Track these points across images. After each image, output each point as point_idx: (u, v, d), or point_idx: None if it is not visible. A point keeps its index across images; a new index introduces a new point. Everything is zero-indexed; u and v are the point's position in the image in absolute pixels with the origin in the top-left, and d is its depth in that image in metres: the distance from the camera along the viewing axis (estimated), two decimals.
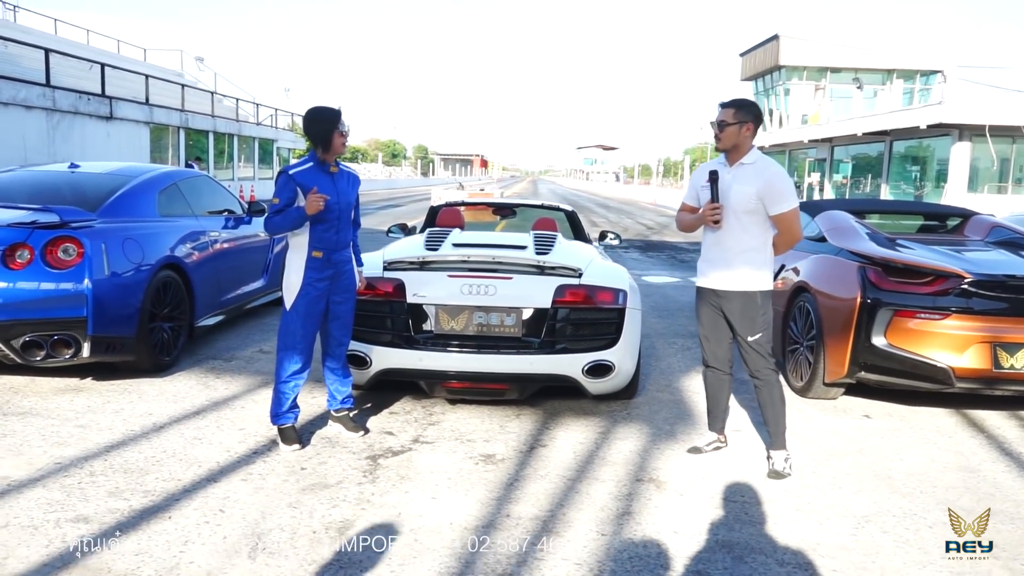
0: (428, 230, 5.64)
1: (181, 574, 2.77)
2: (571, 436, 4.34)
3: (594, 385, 4.48)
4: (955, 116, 23.59)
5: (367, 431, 4.28)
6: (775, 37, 40.29)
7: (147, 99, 22.07)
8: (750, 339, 3.82)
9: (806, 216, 6.12)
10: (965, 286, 4.53)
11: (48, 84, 17.19)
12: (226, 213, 6.75)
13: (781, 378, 4.11)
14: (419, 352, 4.37)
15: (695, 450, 4.13)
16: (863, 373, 4.76)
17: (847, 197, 30.37)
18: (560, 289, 4.41)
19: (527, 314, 4.41)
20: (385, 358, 4.41)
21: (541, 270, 4.51)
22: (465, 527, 3.22)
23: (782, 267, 5.82)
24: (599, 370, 4.40)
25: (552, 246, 4.91)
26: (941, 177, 26.36)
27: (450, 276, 4.44)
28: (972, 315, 4.52)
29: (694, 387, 5.27)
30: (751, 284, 3.79)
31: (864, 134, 28.93)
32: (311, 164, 3.99)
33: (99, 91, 19.49)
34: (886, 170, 29.54)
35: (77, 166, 6.12)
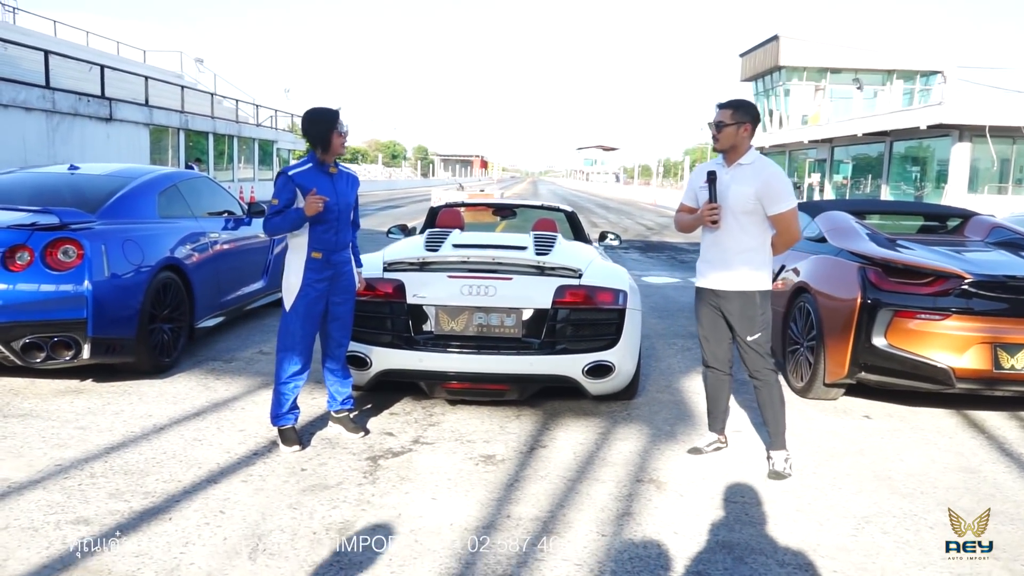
0: (428, 231, 5.64)
1: (181, 575, 2.77)
2: (571, 437, 4.34)
3: (594, 386, 4.48)
4: (955, 117, 23.60)
5: (367, 432, 4.27)
6: (775, 38, 40.30)
7: (147, 100, 22.07)
8: (749, 339, 3.83)
9: (806, 217, 6.12)
10: (965, 287, 4.53)
11: (48, 86, 17.18)
12: (226, 214, 6.75)
13: (781, 378, 4.11)
14: (419, 353, 4.37)
15: (695, 451, 4.13)
16: (863, 374, 4.76)
17: (847, 198, 30.38)
18: (560, 290, 4.41)
19: (527, 315, 4.41)
20: (385, 359, 4.41)
21: (541, 271, 4.51)
22: (465, 528, 3.21)
23: (782, 267, 5.82)
24: (599, 371, 4.40)
25: (552, 247, 4.91)
26: (941, 178, 26.37)
27: (450, 277, 4.44)
28: (972, 316, 4.52)
29: (694, 388, 5.27)
30: (750, 284, 3.79)
31: (864, 135, 28.95)
32: (310, 165, 3.99)
33: (99, 93, 19.49)
34: (886, 171, 29.55)
35: (77, 168, 6.12)
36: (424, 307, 4.43)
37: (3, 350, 4.58)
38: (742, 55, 45.75)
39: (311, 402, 4.72)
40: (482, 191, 28.32)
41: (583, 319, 4.44)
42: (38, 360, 4.65)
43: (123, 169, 6.29)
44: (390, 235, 6.61)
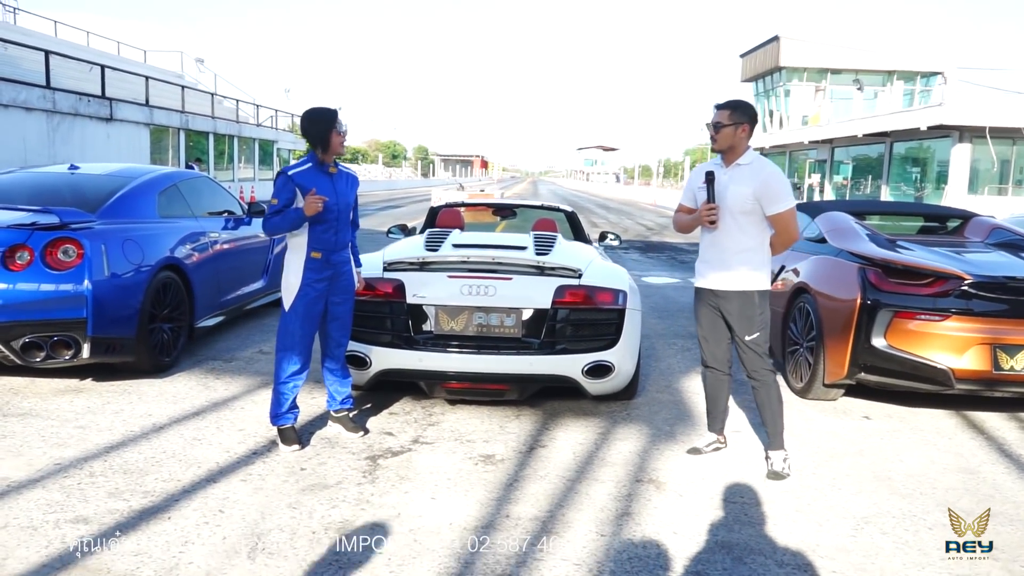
0: (428, 231, 5.65)
1: (180, 574, 2.77)
2: (571, 437, 4.34)
3: (594, 386, 4.48)
4: (955, 118, 23.61)
5: (367, 432, 4.28)
6: (775, 38, 40.30)
7: (147, 100, 22.07)
8: (747, 339, 3.83)
9: (806, 217, 6.12)
10: (965, 287, 4.53)
11: (48, 86, 17.19)
12: (226, 214, 6.76)
13: (779, 379, 4.12)
14: (419, 353, 4.37)
15: (695, 451, 4.13)
16: (863, 374, 4.76)
17: (847, 198, 30.38)
18: (560, 290, 4.41)
19: (527, 315, 4.41)
20: (385, 359, 4.41)
21: (541, 271, 4.51)
22: (464, 527, 3.22)
23: (782, 268, 5.83)
24: (599, 371, 4.40)
25: (552, 247, 4.91)
26: (941, 178, 26.38)
27: (450, 277, 4.44)
28: (972, 316, 4.52)
29: (694, 388, 5.27)
30: (749, 284, 3.80)
31: (864, 135, 28.95)
32: (310, 165, 3.99)
33: (99, 93, 19.49)
34: (886, 171, 29.56)
35: (77, 167, 6.12)
36: (424, 307, 4.43)
37: (3, 349, 4.58)
38: (742, 56, 45.75)
39: (311, 402, 4.72)
40: (482, 191, 28.32)
41: (583, 319, 4.44)
42: (38, 359, 4.65)
43: (123, 169, 6.29)
44: (390, 235, 6.61)
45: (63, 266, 4.63)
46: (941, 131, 24.85)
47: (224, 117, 28.20)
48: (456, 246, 4.86)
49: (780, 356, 5.67)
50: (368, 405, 4.75)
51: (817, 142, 33.98)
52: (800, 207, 6.28)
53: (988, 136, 23.80)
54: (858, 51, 39.25)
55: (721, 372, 4.03)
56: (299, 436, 4.08)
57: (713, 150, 3.89)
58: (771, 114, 42.51)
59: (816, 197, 33.02)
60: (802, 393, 5.18)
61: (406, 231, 6.62)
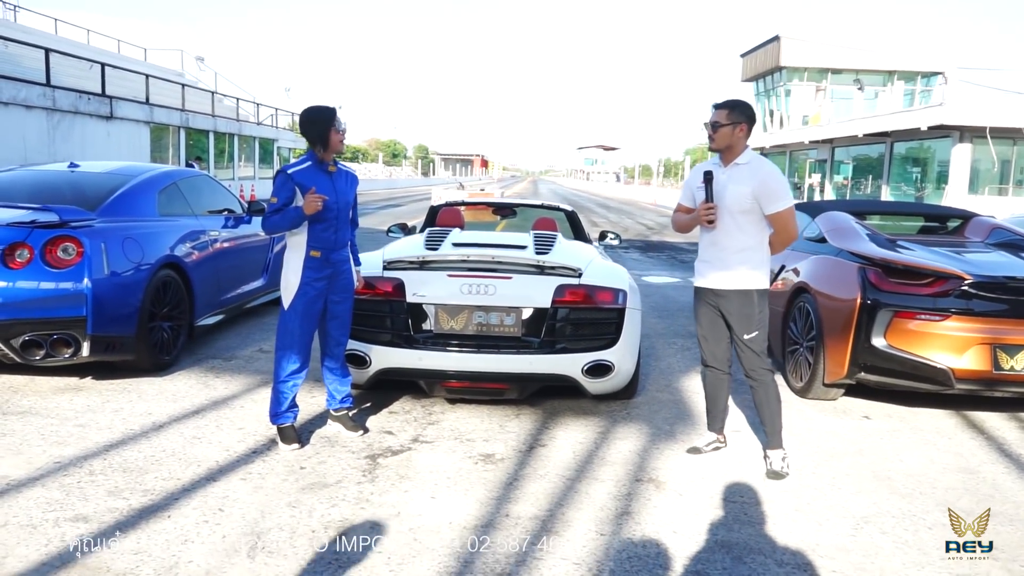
0: (428, 230, 5.64)
1: (180, 573, 2.77)
2: (570, 436, 4.34)
3: (594, 385, 4.48)
4: (956, 118, 23.60)
5: (366, 430, 4.27)
6: (776, 38, 40.28)
7: (147, 99, 22.06)
8: (746, 337, 3.83)
9: (806, 217, 6.12)
10: (965, 287, 4.53)
11: (48, 84, 17.18)
12: (226, 212, 6.75)
13: (777, 378, 4.12)
14: (419, 351, 4.37)
15: (694, 450, 4.13)
16: (863, 374, 4.75)
17: (847, 198, 30.37)
18: (560, 289, 4.41)
19: (527, 314, 4.41)
20: (384, 357, 4.41)
21: (541, 270, 4.51)
22: (464, 526, 3.21)
23: (782, 268, 5.83)
24: (599, 370, 4.40)
25: (552, 246, 4.91)
26: (942, 178, 26.37)
27: (450, 276, 4.44)
28: (972, 316, 4.52)
29: (694, 387, 5.27)
30: (748, 283, 3.80)
31: (865, 135, 28.93)
32: (309, 164, 3.99)
33: (99, 91, 19.49)
34: (887, 171, 29.54)
35: (77, 165, 6.12)
36: (424, 306, 4.43)
37: (3, 347, 4.58)
38: (743, 55, 45.72)
39: (310, 400, 4.72)
40: (482, 190, 28.33)
41: (583, 318, 4.44)
42: (38, 358, 4.65)
43: (123, 167, 6.29)
44: (390, 234, 6.61)
45: (63, 264, 4.63)
46: (942, 131, 24.83)
47: (224, 115, 28.19)
48: (456, 245, 4.86)
49: (780, 356, 5.67)
50: (368, 404, 4.75)
51: (817, 142, 33.96)
52: (800, 207, 6.29)
53: (988, 136, 23.79)
54: (859, 51, 39.22)
55: (721, 371, 4.03)
56: (299, 435, 4.08)
57: (710, 149, 3.90)
58: (771, 114, 42.49)
59: (816, 197, 33.01)
60: (802, 393, 5.18)
61: (406, 230, 6.61)
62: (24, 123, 16.22)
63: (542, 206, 7.25)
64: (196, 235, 5.93)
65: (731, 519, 3.37)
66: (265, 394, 4.70)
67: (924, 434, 4.61)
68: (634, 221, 27.02)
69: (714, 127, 3.80)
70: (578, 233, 6.57)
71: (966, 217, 6.37)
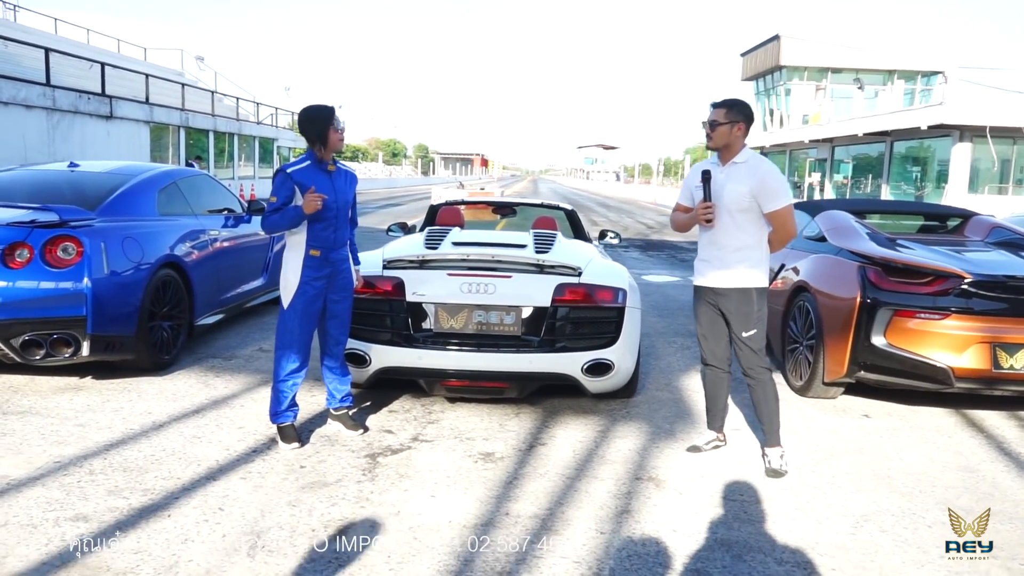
0: (428, 229, 5.65)
1: (180, 572, 2.77)
2: (570, 434, 4.34)
3: (593, 384, 4.48)
4: (956, 117, 23.59)
5: (366, 429, 4.28)
6: (776, 37, 40.26)
7: (147, 98, 22.07)
8: (744, 335, 3.84)
9: (806, 216, 6.12)
10: (965, 286, 4.53)
11: (48, 83, 17.18)
12: (226, 212, 6.75)
13: (777, 376, 4.12)
14: (418, 351, 4.37)
15: (694, 449, 4.13)
16: (862, 373, 4.76)
17: (847, 197, 30.37)
18: (560, 288, 4.41)
19: (527, 313, 4.41)
20: (384, 356, 4.41)
21: (541, 269, 4.51)
22: (464, 525, 3.22)
23: (782, 266, 5.83)
24: (598, 369, 4.40)
25: (552, 245, 4.91)
26: (942, 178, 26.36)
27: (450, 275, 4.44)
28: (972, 315, 4.52)
29: (693, 386, 5.27)
30: (747, 281, 3.81)
31: (865, 134, 28.93)
32: (309, 163, 3.99)
33: (99, 90, 19.49)
34: (887, 170, 29.54)
35: (76, 165, 6.12)
36: (424, 305, 4.43)
37: (3, 347, 4.58)
38: (743, 54, 45.70)
39: (310, 399, 4.72)
40: (482, 189, 28.30)
41: (582, 317, 4.44)
42: (38, 357, 4.65)
43: (123, 167, 6.29)
44: (390, 233, 6.61)
45: (63, 264, 4.63)
46: (941, 130, 24.83)
47: (224, 115, 28.19)
48: (456, 244, 4.86)
49: (780, 355, 5.67)
50: (368, 403, 4.75)
51: (817, 141, 33.95)
52: (800, 206, 6.29)
53: (988, 135, 23.78)
54: (859, 50, 39.21)
55: (721, 370, 4.03)
56: (299, 434, 4.08)
57: (707, 148, 3.91)
58: (771, 113, 42.48)
59: (816, 196, 33.01)
60: (802, 391, 5.18)
61: (406, 229, 6.62)
62: (24, 123, 16.22)
63: (542, 205, 7.25)
64: (196, 234, 5.93)
65: (731, 517, 3.37)
66: (265, 393, 4.70)
67: (924, 432, 4.61)
68: (634, 220, 27.02)
69: (712, 126, 3.81)
70: (578, 232, 6.57)
71: (966, 216, 6.37)
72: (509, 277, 4.43)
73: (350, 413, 4.32)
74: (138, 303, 4.96)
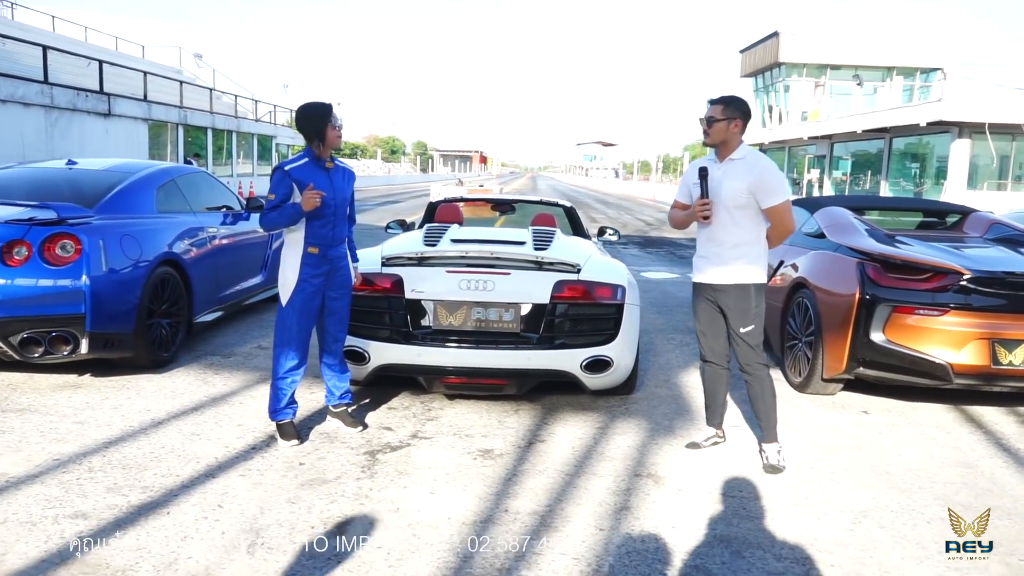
0: (427, 226, 5.64)
1: (179, 569, 2.77)
2: (569, 431, 4.34)
3: (592, 380, 4.48)
4: (955, 113, 23.58)
5: (365, 426, 4.28)
6: (775, 34, 40.24)
7: (145, 96, 22.02)
8: (742, 331, 3.85)
9: (805, 212, 6.12)
10: (964, 282, 4.53)
11: (46, 81, 17.15)
12: (224, 209, 6.75)
13: (775, 373, 4.12)
14: (417, 348, 4.37)
15: (693, 445, 4.13)
16: (861, 369, 4.76)
17: (846, 194, 30.37)
18: (559, 285, 4.41)
19: (525, 309, 4.41)
20: (383, 354, 4.41)
21: (540, 266, 4.51)
22: (463, 522, 3.22)
23: (781, 263, 5.83)
24: (597, 365, 4.40)
25: (551, 242, 4.91)
26: (941, 174, 26.36)
27: (448, 272, 4.44)
28: (971, 311, 4.52)
29: (692, 383, 5.27)
30: (746, 277, 3.82)
31: (864, 131, 28.92)
32: (306, 160, 3.98)
33: (97, 88, 19.44)
34: (886, 167, 29.53)
35: (75, 163, 6.11)
36: (422, 302, 4.43)
37: (1, 345, 4.58)
38: (742, 51, 45.69)
39: (309, 397, 4.72)
40: (481, 186, 28.30)
41: (581, 314, 4.44)
42: (36, 355, 4.65)
43: (121, 164, 6.28)
44: (389, 230, 6.61)
45: (61, 261, 4.62)
46: (940, 127, 24.81)
47: (223, 112, 28.13)
48: (455, 241, 4.86)
49: (779, 351, 5.67)
50: (367, 400, 4.75)
51: (816, 138, 33.93)
52: (799, 203, 6.29)
53: (987, 132, 23.77)
54: (858, 47, 39.19)
55: (719, 367, 4.04)
56: (298, 431, 4.08)
57: (705, 144, 3.92)
58: (770, 110, 42.47)
59: (815, 193, 32.99)
60: (801, 388, 5.18)
61: (405, 226, 6.62)
62: (22, 120, 16.19)
63: (541, 202, 7.25)
64: (194, 232, 5.93)
65: (730, 514, 3.38)
66: (264, 390, 4.70)
67: (923, 429, 4.62)
68: (633, 217, 27.01)
69: (709, 123, 3.82)
70: (577, 229, 6.57)
71: (965, 213, 6.37)
72: (508, 274, 4.43)
73: (349, 410, 4.32)
74: (137, 300, 4.96)
